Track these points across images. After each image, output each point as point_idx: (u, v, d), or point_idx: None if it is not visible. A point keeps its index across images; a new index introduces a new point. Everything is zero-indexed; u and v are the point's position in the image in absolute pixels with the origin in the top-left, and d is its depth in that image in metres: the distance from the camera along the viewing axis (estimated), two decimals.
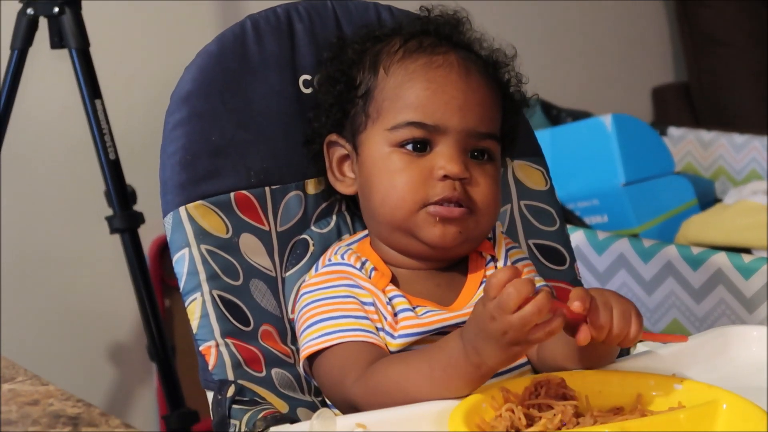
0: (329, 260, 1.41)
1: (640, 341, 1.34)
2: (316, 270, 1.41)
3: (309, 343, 1.34)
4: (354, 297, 1.35)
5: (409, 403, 1.18)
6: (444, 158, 1.35)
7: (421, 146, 1.37)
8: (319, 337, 1.33)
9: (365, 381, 1.26)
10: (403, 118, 1.37)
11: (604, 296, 1.21)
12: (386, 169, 1.38)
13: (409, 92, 1.38)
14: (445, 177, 1.35)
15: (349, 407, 1.27)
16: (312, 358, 1.34)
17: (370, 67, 1.42)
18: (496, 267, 1.43)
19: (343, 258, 1.39)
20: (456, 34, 1.44)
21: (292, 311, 1.41)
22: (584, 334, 1.18)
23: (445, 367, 1.19)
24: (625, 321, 1.20)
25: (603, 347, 1.25)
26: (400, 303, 1.35)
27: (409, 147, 1.37)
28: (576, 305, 1.16)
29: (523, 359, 1.38)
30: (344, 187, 1.45)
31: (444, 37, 1.42)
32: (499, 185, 1.42)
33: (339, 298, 1.35)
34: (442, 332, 1.33)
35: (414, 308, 1.35)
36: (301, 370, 1.38)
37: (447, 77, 1.38)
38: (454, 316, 1.35)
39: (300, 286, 1.41)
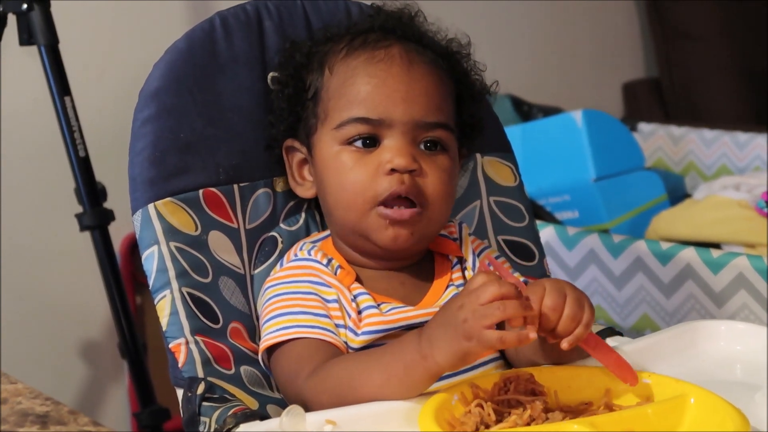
0: (295, 255, 1.40)
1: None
2: (281, 266, 1.41)
3: (267, 336, 1.34)
4: (316, 294, 1.35)
5: (357, 400, 1.18)
6: (391, 152, 1.34)
7: (371, 141, 1.36)
8: (277, 330, 1.33)
9: (315, 377, 1.26)
10: (347, 115, 1.36)
11: (559, 284, 1.21)
12: (336, 169, 1.37)
13: (351, 89, 1.37)
14: (393, 171, 1.34)
15: (301, 403, 1.26)
16: (271, 351, 1.34)
17: (317, 68, 1.42)
18: (464, 269, 1.43)
19: (309, 254, 1.39)
20: (401, 26, 1.42)
21: None
22: (530, 332, 1.15)
23: (393, 357, 1.18)
24: (579, 307, 1.19)
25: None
26: (365, 300, 1.35)
27: (358, 143, 1.36)
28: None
29: (494, 354, 1.38)
30: (304, 191, 1.45)
31: (389, 30, 1.41)
32: (454, 176, 1.41)
33: (301, 294, 1.35)
34: (408, 329, 1.32)
35: (379, 305, 1.35)
36: (261, 362, 1.38)
37: (388, 71, 1.37)
38: (419, 314, 1.35)
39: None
